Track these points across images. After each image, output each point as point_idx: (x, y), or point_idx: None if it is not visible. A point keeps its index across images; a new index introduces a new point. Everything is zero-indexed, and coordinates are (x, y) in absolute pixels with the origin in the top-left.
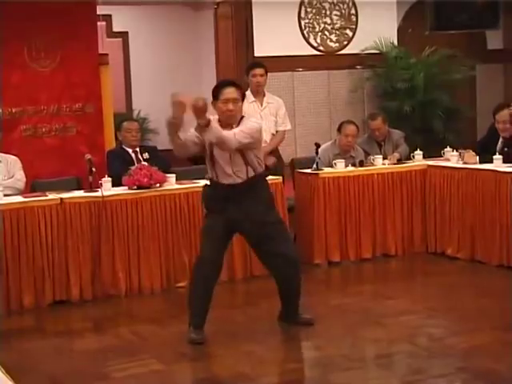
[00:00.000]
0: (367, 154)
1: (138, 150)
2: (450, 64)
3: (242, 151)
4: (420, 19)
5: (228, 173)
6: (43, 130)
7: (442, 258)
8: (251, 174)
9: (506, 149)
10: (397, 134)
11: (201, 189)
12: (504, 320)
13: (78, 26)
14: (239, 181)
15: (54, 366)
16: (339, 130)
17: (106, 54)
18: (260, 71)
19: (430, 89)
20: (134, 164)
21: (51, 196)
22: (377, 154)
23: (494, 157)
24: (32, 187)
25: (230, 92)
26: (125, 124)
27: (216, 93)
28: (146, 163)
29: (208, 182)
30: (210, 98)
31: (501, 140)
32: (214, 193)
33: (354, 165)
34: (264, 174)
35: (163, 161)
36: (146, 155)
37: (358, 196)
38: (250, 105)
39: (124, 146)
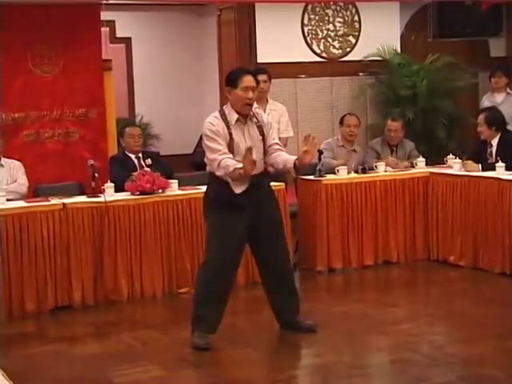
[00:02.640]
0: (378, 156)
1: (140, 155)
2: (453, 71)
3: (264, 142)
4: (423, 26)
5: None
6: (46, 135)
7: (445, 265)
8: (263, 165)
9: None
10: (410, 144)
11: (203, 195)
12: (506, 328)
13: (82, 31)
14: (259, 171)
15: (56, 371)
16: (341, 122)
17: (110, 60)
18: (263, 77)
19: (433, 96)
20: (136, 170)
21: (54, 201)
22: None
23: (497, 164)
24: (35, 192)
25: (250, 80)
26: (127, 130)
27: (234, 80)
28: (148, 169)
29: (216, 183)
30: (212, 104)
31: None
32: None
33: (356, 171)
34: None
35: (166, 167)
36: (148, 161)
37: (360, 203)
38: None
39: (127, 152)
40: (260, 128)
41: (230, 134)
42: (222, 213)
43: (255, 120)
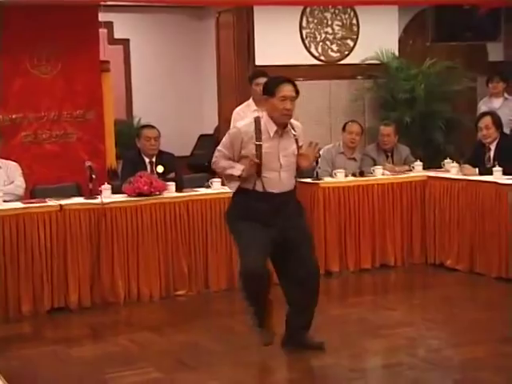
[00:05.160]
0: (374, 162)
1: (154, 160)
2: (451, 75)
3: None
4: (421, 30)
5: (283, 180)
6: (43, 136)
7: (441, 269)
8: (294, 182)
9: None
10: (406, 149)
11: (201, 197)
12: (502, 332)
13: (80, 32)
14: (290, 188)
15: (53, 373)
16: (344, 129)
17: (108, 61)
18: (263, 80)
19: (431, 100)
20: None
21: (51, 202)
22: (384, 163)
23: (494, 169)
24: (32, 193)
25: (289, 90)
26: (144, 131)
27: (272, 89)
28: (159, 178)
29: (241, 194)
30: (210, 106)
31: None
32: (261, 204)
33: (354, 175)
34: None
35: (178, 173)
36: (160, 168)
37: (357, 206)
38: (252, 113)
39: (142, 153)
40: (297, 141)
41: (260, 145)
42: (247, 221)
43: (293, 132)
